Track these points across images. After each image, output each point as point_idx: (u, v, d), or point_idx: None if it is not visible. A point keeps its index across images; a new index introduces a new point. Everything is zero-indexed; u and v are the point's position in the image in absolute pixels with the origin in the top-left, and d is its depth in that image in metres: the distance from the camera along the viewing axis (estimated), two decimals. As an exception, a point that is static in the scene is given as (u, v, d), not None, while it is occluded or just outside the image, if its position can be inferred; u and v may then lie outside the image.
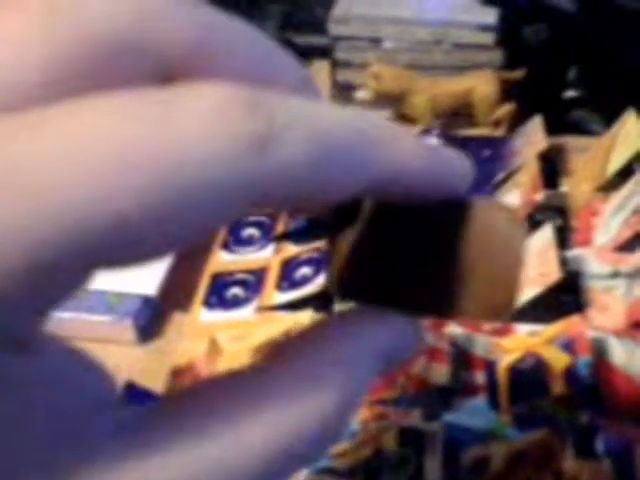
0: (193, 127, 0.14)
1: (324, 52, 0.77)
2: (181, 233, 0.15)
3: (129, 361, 0.53)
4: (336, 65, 0.75)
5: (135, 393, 0.48)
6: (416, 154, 0.18)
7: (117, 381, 0.17)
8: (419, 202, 0.19)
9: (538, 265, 0.52)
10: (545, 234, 0.53)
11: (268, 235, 0.60)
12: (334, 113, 0.17)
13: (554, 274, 0.50)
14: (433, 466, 0.42)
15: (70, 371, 0.16)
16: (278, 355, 0.17)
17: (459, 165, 0.20)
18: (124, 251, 0.15)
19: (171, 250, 0.15)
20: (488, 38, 0.71)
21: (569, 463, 0.41)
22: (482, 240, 0.19)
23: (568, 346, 0.48)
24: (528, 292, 0.51)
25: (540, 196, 0.57)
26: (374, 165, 0.17)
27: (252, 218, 0.62)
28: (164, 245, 0.15)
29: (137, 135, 0.14)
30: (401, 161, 0.18)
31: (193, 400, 0.16)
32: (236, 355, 0.52)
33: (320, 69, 0.79)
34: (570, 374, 0.46)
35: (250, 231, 0.61)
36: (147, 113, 0.14)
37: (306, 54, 0.82)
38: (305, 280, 0.56)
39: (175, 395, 0.17)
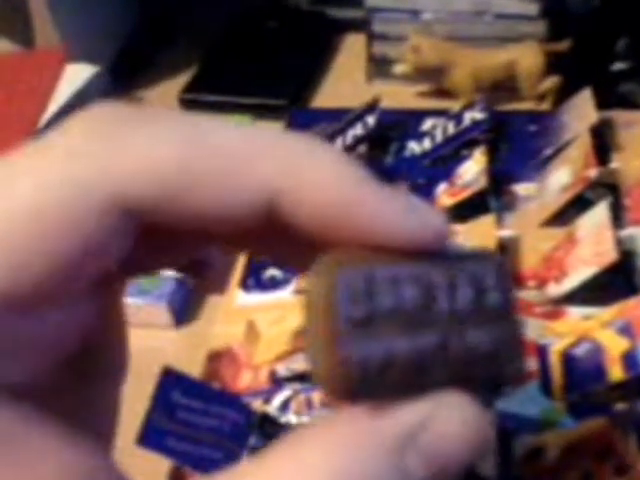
0: None
1: (359, 25, 0.74)
2: None
3: (164, 345, 0.52)
4: (372, 38, 0.72)
5: (171, 378, 0.46)
6: (340, 182, 0.16)
7: None
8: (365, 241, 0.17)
9: (592, 245, 0.49)
10: (600, 212, 0.51)
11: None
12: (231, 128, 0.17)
13: (610, 254, 0.48)
14: (487, 456, 0.40)
15: None
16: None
17: (424, 215, 0.17)
18: None
19: None
20: (532, 8, 0.68)
21: (632, 455, 0.39)
22: None
23: (626, 330, 0.45)
24: (581, 273, 0.49)
25: (593, 172, 0.54)
26: (270, 175, 0.16)
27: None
28: None
29: None
30: (314, 182, 0.16)
31: None
32: (275, 338, 0.50)
33: (355, 43, 0.77)
34: (628, 359, 0.44)
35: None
36: None
37: (341, 27, 0.80)
38: (345, 261, 0.54)
39: None
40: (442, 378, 0.17)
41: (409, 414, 0.16)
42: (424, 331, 0.17)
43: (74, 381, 0.19)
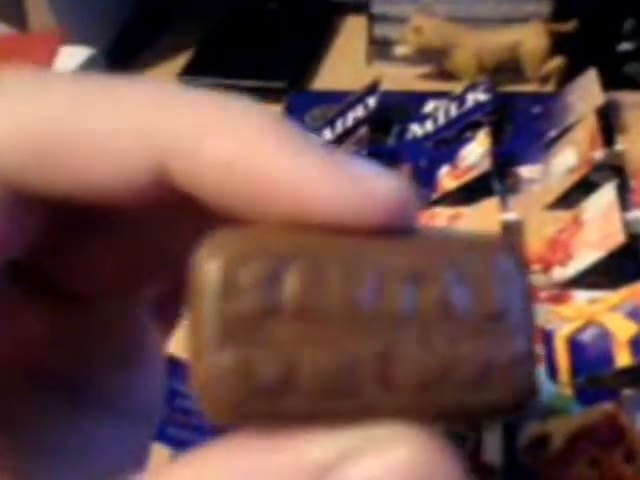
0: None
1: (360, 6, 0.73)
2: None
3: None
4: (373, 20, 0.71)
5: (170, 366, 0.45)
6: (249, 142, 0.13)
7: None
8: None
9: (599, 228, 0.48)
10: (607, 194, 0.50)
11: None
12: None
13: (617, 237, 0.47)
14: (492, 443, 0.39)
15: None
16: None
17: (369, 184, 0.13)
18: None
19: None
20: (536, -13, 0.67)
21: (640, 442, 0.38)
22: None
23: (634, 313, 0.44)
24: (587, 256, 0.48)
25: (599, 154, 0.53)
26: (161, 136, 0.14)
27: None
28: None
29: None
30: (213, 144, 0.13)
31: None
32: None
33: (356, 25, 0.76)
34: (637, 344, 0.43)
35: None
36: None
37: (341, 9, 0.78)
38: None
39: None
40: (387, 403, 0.12)
41: (319, 448, 0.12)
42: (350, 337, 0.12)
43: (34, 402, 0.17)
